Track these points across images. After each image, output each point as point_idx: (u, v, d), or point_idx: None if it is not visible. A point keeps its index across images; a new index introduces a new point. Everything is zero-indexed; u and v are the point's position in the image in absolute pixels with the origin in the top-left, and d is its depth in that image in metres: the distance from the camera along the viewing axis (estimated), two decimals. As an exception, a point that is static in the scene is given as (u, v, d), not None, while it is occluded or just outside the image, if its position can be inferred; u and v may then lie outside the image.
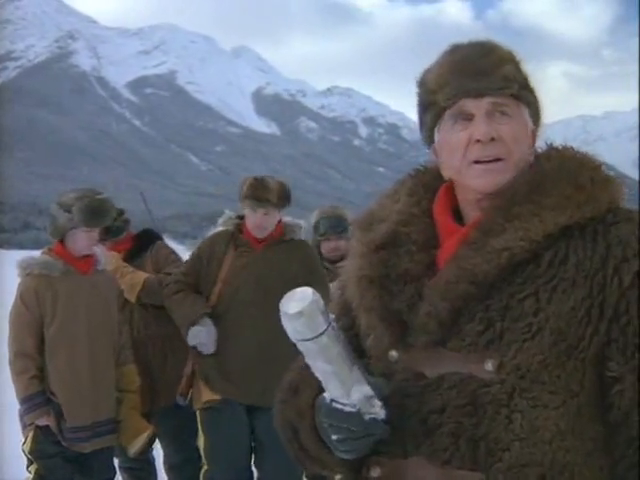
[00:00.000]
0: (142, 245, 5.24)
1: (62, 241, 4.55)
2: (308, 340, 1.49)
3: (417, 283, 1.66)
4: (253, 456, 4.67)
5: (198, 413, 4.61)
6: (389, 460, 1.62)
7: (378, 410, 1.55)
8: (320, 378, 1.56)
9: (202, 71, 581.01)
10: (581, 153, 1.68)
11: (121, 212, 5.19)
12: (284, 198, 4.61)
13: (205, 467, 4.60)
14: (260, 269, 4.55)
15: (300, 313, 1.46)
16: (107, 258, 5.02)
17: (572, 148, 1.69)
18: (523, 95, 1.66)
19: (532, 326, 1.53)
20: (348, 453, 1.61)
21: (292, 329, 1.49)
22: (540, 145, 1.72)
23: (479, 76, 1.64)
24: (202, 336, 4.49)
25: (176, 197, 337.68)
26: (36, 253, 4.72)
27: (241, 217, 4.71)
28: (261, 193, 4.50)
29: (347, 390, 1.54)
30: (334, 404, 1.56)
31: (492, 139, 1.64)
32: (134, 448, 4.68)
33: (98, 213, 4.46)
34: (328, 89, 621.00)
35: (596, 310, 1.52)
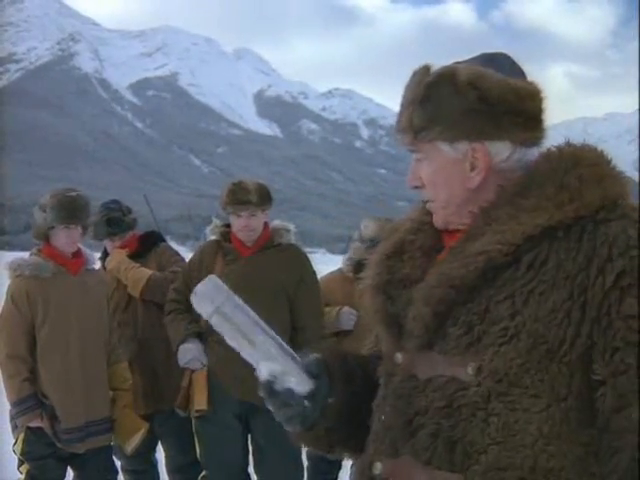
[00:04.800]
0: (146, 246, 5.22)
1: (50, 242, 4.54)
2: (210, 316, 1.63)
3: (413, 288, 1.69)
4: (252, 460, 4.69)
5: (193, 421, 4.65)
6: (386, 458, 1.67)
7: (293, 385, 1.66)
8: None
9: (204, 73, 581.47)
10: (584, 150, 1.65)
11: (129, 210, 5.23)
12: (265, 197, 4.57)
13: (203, 472, 4.68)
14: (247, 275, 4.48)
15: (194, 293, 1.64)
16: (112, 254, 5.10)
17: (576, 145, 1.66)
18: (423, 136, 1.65)
19: (508, 330, 1.53)
20: (286, 424, 1.73)
21: (198, 309, 1.65)
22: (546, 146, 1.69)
23: (395, 127, 1.73)
24: (187, 355, 4.51)
25: (178, 199, 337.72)
26: (26, 254, 4.69)
27: (228, 225, 4.67)
28: (241, 196, 4.48)
29: (256, 364, 1.67)
30: (255, 372, 1.67)
31: (416, 186, 1.73)
32: (130, 446, 4.65)
33: (69, 209, 4.42)
34: (329, 91, 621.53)
35: (577, 312, 1.50)
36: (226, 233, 4.64)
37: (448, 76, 1.63)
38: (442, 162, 1.66)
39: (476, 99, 1.61)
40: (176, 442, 5.10)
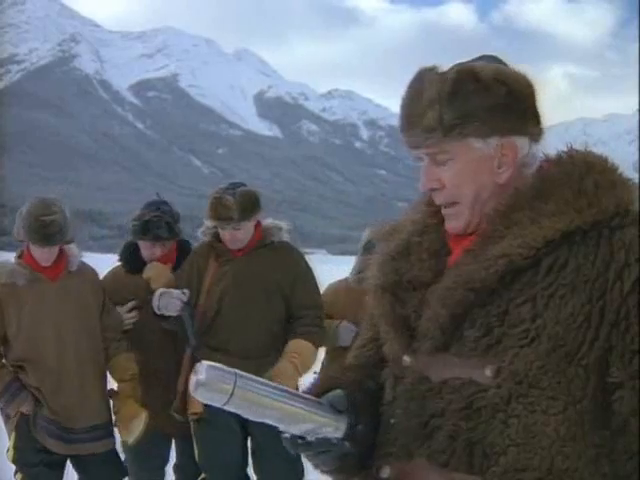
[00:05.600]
0: (181, 258, 4.82)
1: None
2: (226, 404, 1.55)
3: (425, 290, 1.69)
4: (251, 461, 4.62)
5: (192, 424, 4.51)
6: (396, 461, 1.66)
7: (330, 434, 1.64)
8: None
9: (204, 74, 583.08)
10: (592, 156, 1.66)
11: (178, 216, 4.88)
12: (248, 210, 4.39)
13: (202, 475, 4.58)
14: (240, 276, 4.42)
15: (198, 386, 1.53)
16: (158, 270, 4.66)
17: (584, 151, 1.68)
18: (456, 133, 1.63)
19: (529, 332, 1.53)
20: (318, 467, 1.73)
21: (209, 401, 1.56)
22: (542, 148, 1.71)
23: (408, 130, 1.69)
24: (162, 298, 4.33)
25: (178, 200, 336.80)
26: (11, 257, 4.55)
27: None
28: (221, 212, 4.33)
29: (287, 428, 1.63)
30: (282, 434, 1.66)
31: (433, 189, 1.70)
32: (132, 435, 4.47)
33: (41, 234, 4.20)
34: (329, 92, 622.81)
35: (596, 315, 1.51)
36: (218, 234, 4.51)
37: (470, 73, 1.63)
38: (471, 159, 1.65)
39: (505, 94, 1.62)
40: (189, 447, 4.70)
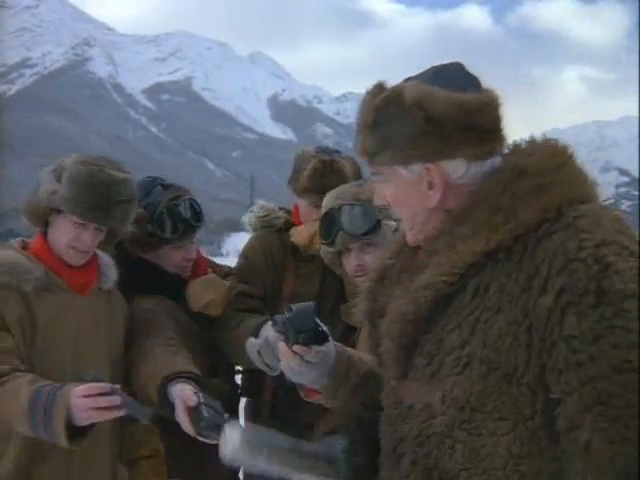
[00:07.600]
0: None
1: (46, 233, 2.73)
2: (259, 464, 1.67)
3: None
4: None
5: None
6: None
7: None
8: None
9: (218, 77, 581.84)
10: (529, 157, 1.59)
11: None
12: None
13: None
14: (337, 283, 3.19)
15: (237, 450, 1.60)
16: (201, 285, 3.25)
17: (526, 148, 1.62)
18: (377, 160, 1.65)
19: (461, 359, 1.51)
20: None
21: (244, 465, 1.64)
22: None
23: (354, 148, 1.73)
24: (265, 346, 2.90)
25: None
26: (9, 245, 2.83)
27: (289, 211, 3.45)
28: (331, 180, 3.11)
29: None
30: None
31: (383, 206, 1.75)
32: None
33: (102, 194, 2.56)
34: (343, 95, 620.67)
35: (524, 334, 1.47)
36: (289, 222, 3.37)
37: (395, 98, 1.59)
38: (400, 183, 1.64)
39: (423, 120, 1.56)
40: None
